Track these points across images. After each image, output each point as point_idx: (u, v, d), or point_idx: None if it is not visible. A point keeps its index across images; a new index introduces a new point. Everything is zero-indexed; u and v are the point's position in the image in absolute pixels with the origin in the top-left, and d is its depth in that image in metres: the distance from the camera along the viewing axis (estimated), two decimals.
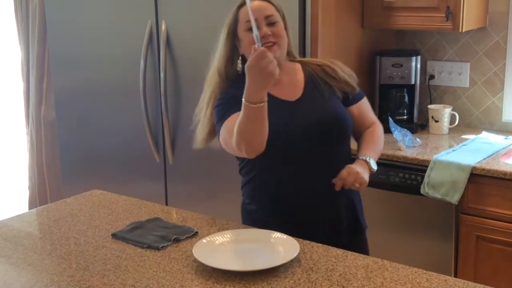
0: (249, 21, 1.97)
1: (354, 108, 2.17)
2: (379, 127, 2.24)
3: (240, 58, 2.12)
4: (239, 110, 1.87)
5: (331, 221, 2.10)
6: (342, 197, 2.09)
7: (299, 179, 2.06)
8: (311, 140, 2.04)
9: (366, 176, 2.02)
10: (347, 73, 2.18)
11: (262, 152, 1.95)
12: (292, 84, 2.12)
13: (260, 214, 2.11)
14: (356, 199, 2.17)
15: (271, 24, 2.06)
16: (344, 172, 2.00)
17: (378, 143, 2.18)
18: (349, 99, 2.16)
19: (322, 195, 2.07)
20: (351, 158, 2.14)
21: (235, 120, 1.91)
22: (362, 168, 2.03)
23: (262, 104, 1.85)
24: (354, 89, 2.17)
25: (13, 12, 4.20)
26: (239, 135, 1.92)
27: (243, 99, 1.85)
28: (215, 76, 2.13)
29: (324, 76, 2.14)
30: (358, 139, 2.22)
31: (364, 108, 2.21)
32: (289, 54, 2.18)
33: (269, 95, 1.96)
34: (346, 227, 2.13)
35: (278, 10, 2.11)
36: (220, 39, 2.12)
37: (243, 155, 1.96)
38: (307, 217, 2.07)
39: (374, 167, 2.07)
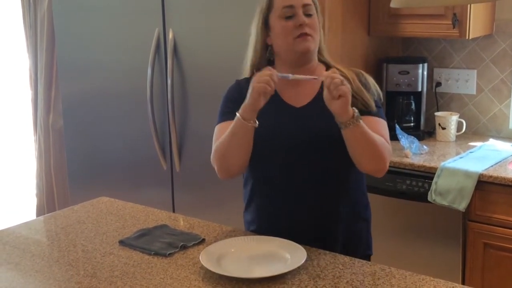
0: (286, 7, 1.92)
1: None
2: (385, 142, 1.93)
3: (269, 49, 2.02)
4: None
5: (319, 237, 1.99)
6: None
7: (282, 197, 1.98)
8: (302, 154, 1.94)
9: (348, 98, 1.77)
10: (371, 88, 2.00)
11: (253, 153, 1.93)
12: (306, 89, 2.00)
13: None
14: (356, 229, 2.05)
15: (308, 15, 1.95)
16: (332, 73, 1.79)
17: (373, 134, 1.87)
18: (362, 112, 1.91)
19: (304, 219, 1.98)
20: (356, 190, 2.02)
21: (227, 128, 1.90)
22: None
23: (251, 123, 1.84)
24: (371, 107, 1.95)
25: (21, 20, 4.22)
26: (218, 150, 1.93)
27: (237, 113, 1.84)
28: (247, 68, 2.05)
29: None
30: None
31: (373, 124, 1.92)
32: (320, 52, 2.05)
33: (277, 96, 1.96)
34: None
35: (314, 3, 2.00)
36: (253, 28, 2.02)
37: (216, 171, 1.97)
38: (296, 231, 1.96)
39: (359, 119, 1.81)
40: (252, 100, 1.83)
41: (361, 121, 1.82)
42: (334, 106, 1.80)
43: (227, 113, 1.98)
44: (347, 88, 1.78)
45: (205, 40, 3.05)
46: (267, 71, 1.84)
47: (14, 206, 4.62)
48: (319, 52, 2.05)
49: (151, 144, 3.30)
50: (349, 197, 2.02)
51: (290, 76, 1.88)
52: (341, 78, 1.78)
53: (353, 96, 1.86)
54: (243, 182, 2.12)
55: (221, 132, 1.94)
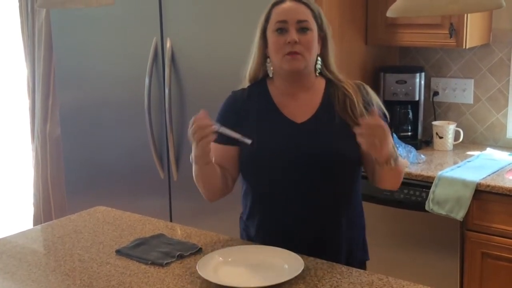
0: (279, 21, 1.88)
1: None
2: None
3: (268, 61, 1.98)
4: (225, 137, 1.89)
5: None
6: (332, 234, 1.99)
7: (282, 212, 1.97)
8: (302, 171, 1.91)
9: (390, 145, 1.77)
10: (373, 104, 1.96)
11: (253, 171, 1.96)
12: (306, 103, 1.97)
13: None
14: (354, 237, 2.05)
15: (302, 30, 1.88)
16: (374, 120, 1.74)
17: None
18: None
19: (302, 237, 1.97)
20: (355, 203, 2.02)
21: (213, 148, 1.92)
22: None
23: (204, 164, 1.88)
24: None
25: (20, 29, 4.23)
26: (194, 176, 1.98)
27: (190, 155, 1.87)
28: (246, 78, 2.04)
29: (343, 107, 1.94)
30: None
31: None
32: (328, 69, 1.99)
33: (277, 111, 1.96)
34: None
35: (315, 17, 1.92)
36: (255, 39, 1.99)
37: None
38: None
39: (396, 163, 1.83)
40: (195, 151, 1.88)
41: (397, 163, 1.84)
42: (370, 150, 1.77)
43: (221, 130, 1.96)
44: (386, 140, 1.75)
45: (203, 49, 3.05)
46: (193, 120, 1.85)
47: (11, 215, 4.61)
48: (325, 65, 2.00)
49: (148, 153, 3.30)
50: (349, 209, 2.02)
51: (217, 128, 1.86)
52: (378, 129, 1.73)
53: (353, 118, 1.90)
54: (241, 194, 2.11)
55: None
